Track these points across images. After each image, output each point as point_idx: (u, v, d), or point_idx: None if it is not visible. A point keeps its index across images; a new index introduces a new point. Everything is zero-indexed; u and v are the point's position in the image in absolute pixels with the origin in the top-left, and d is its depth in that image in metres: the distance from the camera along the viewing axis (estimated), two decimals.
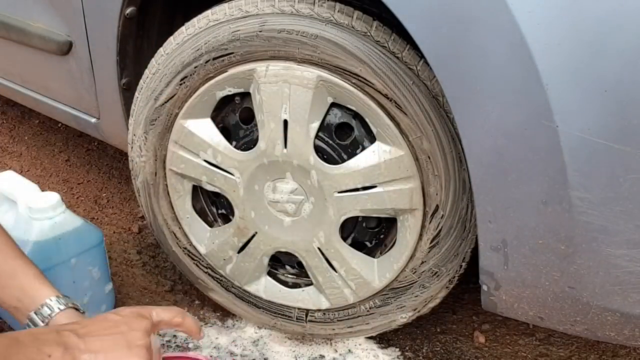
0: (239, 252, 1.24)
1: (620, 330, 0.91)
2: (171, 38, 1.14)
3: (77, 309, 0.90)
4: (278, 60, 1.03)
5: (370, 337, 1.32)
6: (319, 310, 1.24)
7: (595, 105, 0.76)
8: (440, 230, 1.05)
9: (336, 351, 1.28)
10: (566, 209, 0.83)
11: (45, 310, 0.85)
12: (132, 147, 1.25)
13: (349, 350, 1.28)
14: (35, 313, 0.85)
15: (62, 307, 0.86)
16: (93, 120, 1.49)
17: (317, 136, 1.06)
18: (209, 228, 1.27)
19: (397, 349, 1.30)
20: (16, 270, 0.87)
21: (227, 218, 1.28)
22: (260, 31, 1.02)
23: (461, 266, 1.09)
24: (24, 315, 0.86)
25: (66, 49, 1.41)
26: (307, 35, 0.99)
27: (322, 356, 1.27)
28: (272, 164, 1.10)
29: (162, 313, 0.85)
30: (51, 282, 0.90)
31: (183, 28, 1.12)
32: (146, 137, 1.21)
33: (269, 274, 1.27)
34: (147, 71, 1.18)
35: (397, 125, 0.99)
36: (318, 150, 1.07)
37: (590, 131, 0.77)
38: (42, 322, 0.85)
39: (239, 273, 1.26)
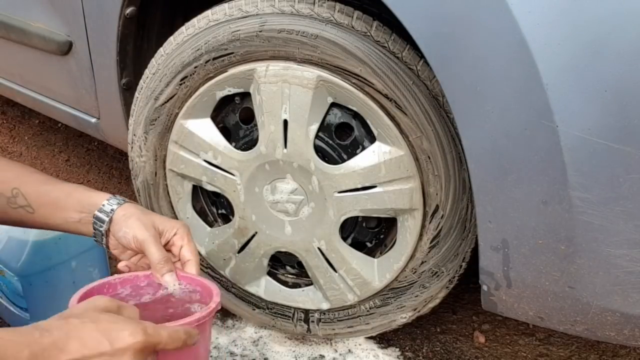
0: (239, 252, 1.24)
1: (620, 330, 0.91)
2: (171, 38, 1.14)
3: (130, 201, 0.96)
4: (278, 60, 1.03)
5: (370, 337, 1.32)
6: (319, 310, 1.24)
7: (595, 105, 0.75)
8: (440, 230, 1.05)
9: (336, 351, 1.28)
10: (566, 209, 0.83)
11: (107, 207, 0.92)
12: (132, 147, 1.25)
13: (349, 350, 1.28)
14: (99, 211, 0.92)
15: (120, 202, 0.93)
16: (93, 120, 1.49)
17: (317, 136, 1.06)
18: (209, 228, 1.27)
19: (397, 349, 1.30)
20: (69, 191, 0.95)
21: (227, 218, 1.28)
22: (260, 31, 1.02)
23: (461, 266, 1.09)
24: (89, 222, 0.93)
25: (66, 49, 1.41)
26: (307, 35, 0.99)
27: (322, 356, 1.27)
28: (272, 164, 1.10)
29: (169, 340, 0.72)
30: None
31: (183, 28, 1.12)
32: (146, 137, 1.21)
33: (269, 274, 1.27)
34: (147, 71, 1.18)
35: (397, 125, 0.99)
36: (318, 150, 1.07)
37: (590, 131, 0.77)
38: (106, 217, 0.92)
39: (239, 273, 1.26)
